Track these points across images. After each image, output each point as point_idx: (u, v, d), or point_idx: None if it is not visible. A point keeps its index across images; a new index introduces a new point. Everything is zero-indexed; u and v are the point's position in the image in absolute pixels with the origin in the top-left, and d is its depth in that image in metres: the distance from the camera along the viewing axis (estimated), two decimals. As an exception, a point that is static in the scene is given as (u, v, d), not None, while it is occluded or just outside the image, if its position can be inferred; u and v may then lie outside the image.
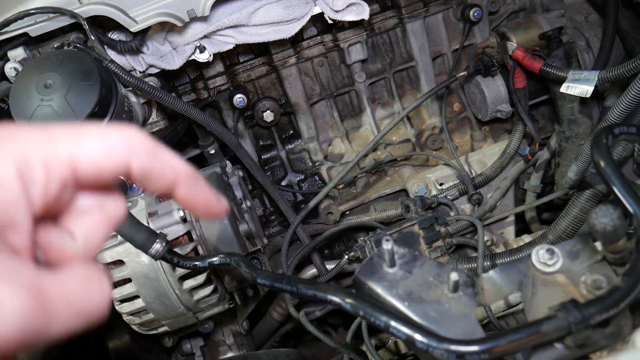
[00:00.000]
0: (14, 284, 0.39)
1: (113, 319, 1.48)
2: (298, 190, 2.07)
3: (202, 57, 1.69)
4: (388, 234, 1.75)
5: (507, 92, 1.90)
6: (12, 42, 1.47)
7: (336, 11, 1.70)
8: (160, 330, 1.48)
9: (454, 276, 0.83)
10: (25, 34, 1.45)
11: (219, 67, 1.89)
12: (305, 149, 2.09)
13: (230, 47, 1.70)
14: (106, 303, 0.46)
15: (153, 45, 1.65)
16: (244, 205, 1.79)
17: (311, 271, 1.97)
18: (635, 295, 0.73)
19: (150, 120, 1.69)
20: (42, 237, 0.47)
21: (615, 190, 0.85)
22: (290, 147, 2.10)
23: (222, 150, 1.89)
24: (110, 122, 1.36)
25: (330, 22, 1.74)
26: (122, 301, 1.40)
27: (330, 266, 1.95)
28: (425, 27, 1.98)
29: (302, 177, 2.10)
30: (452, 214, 1.91)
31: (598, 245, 0.85)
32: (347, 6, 1.68)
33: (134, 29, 1.47)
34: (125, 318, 1.43)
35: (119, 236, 1.33)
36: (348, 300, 0.85)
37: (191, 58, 1.68)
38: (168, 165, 0.51)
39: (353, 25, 1.87)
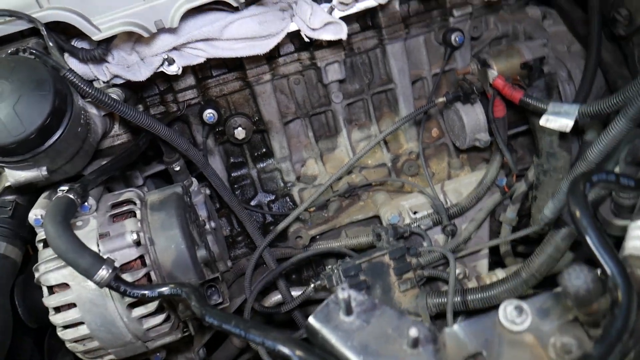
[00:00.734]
0: None
1: (58, 345, 1.38)
2: (267, 212, 1.99)
3: (171, 70, 1.61)
4: (356, 263, 1.67)
5: (486, 120, 1.85)
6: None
7: (313, 29, 1.63)
8: (106, 359, 1.38)
9: (413, 332, 0.76)
10: (-20, 36, 1.37)
11: (190, 80, 1.81)
12: (278, 169, 2.02)
13: (201, 60, 1.63)
14: None
15: (119, 54, 1.57)
16: (207, 226, 1.71)
17: (276, 297, 1.88)
18: (608, 365, 0.67)
19: (112, 133, 1.60)
20: None
21: (591, 245, 0.79)
22: (262, 165, 2.02)
23: (189, 167, 1.80)
24: (63, 135, 1.27)
25: (307, 40, 1.67)
26: (66, 327, 1.31)
27: (296, 293, 1.87)
28: (405, 49, 1.92)
29: (273, 197, 2.02)
30: (424, 244, 1.84)
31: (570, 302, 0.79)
32: (325, 25, 1.62)
33: (96, 37, 1.39)
34: (68, 345, 1.33)
35: (64, 258, 1.23)
36: (298, 352, 0.78)
37: (159, 70, 1.61)
38: None
39: (331, 44, 1.81)
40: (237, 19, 1.55)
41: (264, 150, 2.02)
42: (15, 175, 1.31)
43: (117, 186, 1.62)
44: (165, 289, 1.17)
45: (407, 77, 1.95)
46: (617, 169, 1.41)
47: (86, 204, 1.31)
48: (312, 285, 1.71)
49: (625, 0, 1.74)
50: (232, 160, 2.02)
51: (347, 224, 1.99)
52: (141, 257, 1.32)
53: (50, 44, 1.35)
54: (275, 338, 0.81)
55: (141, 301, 1.29)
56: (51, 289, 1.30)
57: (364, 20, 1.91)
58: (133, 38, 1.54)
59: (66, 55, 1.48)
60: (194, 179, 1.78)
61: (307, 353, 0.76)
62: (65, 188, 1.22)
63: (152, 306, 1.31)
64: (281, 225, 1.86)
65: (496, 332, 0.78)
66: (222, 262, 1.81)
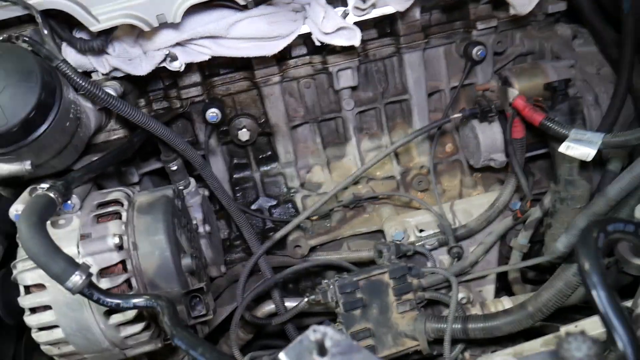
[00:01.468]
0: None
1: (34, 345, 1.33)
2: (268, 217, 1.92)
3: (174, 66, 1.54)
4: (354, 279, 1.59)
5: (503, 140, 1.75)
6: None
7: (325, 33, 1.55)
8: (82, 363, 1.33)
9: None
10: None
11: (196, 77, 1.75)
12: (282, 173, 1.94)
13: (206, 58, 1.56)
14: None
15: (121, 46, 1.50)
16: (201, 230, 1.64)
17: (269, 307, 1.81)
18: None
19: (108, 127, 1.55)
20: None
21: (599, 305, 0.70)
22: (265, 169, 1.95)
23: (188, 166, 1.73)
24: (48, 129, 1.21)
25: (318, 44, 1.59)
26: (40, 329, 1.25)
27: (291, 303, 1.80)
28: (424, 60, 1.83)
29: (275, 202, 1.95)
30: (428, 264, 1.75)
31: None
32: (337, 30, 1.54)
33: (94, 28, 1.33)
34: (43, 347, 1.28)
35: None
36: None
37: (162, 65, 1.54)
38: None
39: (345, 49, 1.72)
40: (245, 18, 1.48)
41: (269, 153, 1.95)
42: (-2, 168, 1.26)
43: (110, 183, 1.56)
44: (140, 300, 1.10)
45: (424, 88, 1.86)
46: (639, 208, 1.31)
47: (69, 202, 1.25)
48: (305, 299, 1.63)
49: (662, 23, 1.62)
50: (235, 161, 1.95)
51: (349, 235, 1.92)
52: (123, 262, 1.25)
53: (45, 31, 1.29)
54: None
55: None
56: (27, 289, 1.25)
57: (382, 26, 1.82)
58: (136, 31, 1.48)
59: (64, 44, 1.42)
60: (192, 179, 1.72)
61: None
62: (46, 185, 1.16)
63: (130, 314, 1.24)
64: (279, 233, 1.78)
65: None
66: (216, 267, 1.75)
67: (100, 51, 1.45)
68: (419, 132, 1.75)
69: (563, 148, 1.49)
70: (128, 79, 1.57)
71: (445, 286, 1.74)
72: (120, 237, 1.25)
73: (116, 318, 1.24)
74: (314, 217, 1.92)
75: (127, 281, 1.26)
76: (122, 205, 1.32)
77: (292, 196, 1.94)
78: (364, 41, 1.79)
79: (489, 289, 1.83)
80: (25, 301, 1.23)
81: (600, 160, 1.83)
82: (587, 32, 1.92)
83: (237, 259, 1.93)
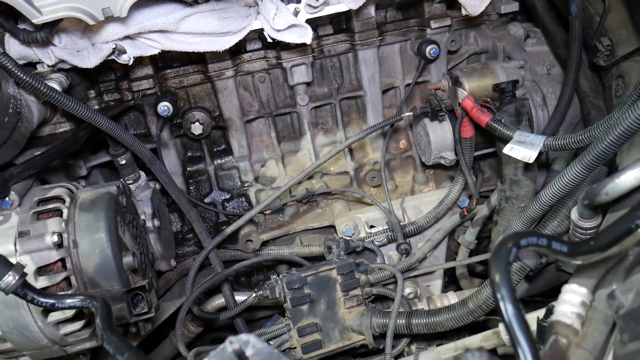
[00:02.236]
0: None
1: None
2: (221, 210, 1.92)
3: (122, 59, 1.52)
4: (302, 275, 1.61)
5: (453, 139, 1.77)
6: None
7: (277, 30, 1.55)
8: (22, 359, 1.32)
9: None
10: None
11: (147, 69, 1.73)
12: (236, 167, 1.94)
13: (156, 51, 1.54)
14: None
15: (68, 38, 1.48)
16: (150, 224, 1.64)
17: (219, 301, 1.82)
18: None
19: (54, 120, 1.52)
20: None
21: (506, 318, 0.73)
22: (220, 162, 1.95)
23: (140, 159, 1.71)
24: (-15, 125, 1.19)
25: (270, 40, 1.59)
26: (-23, 326, 1.24)
27: (241, 297, 1.81)
28: (379, 57, 1.84)
29: (228, 196, 1.95)
30: (377, 260, 1.78)
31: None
32: (289, 27, 1.53)
33: (36, 20, 1.30)
34: (-19, 344, 1.27)
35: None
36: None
37: (111, 58, 1.52)
38: None
39: (299, 45, 1.72)
40: (195, 13, 1.46)
41: (224, 146, 1.94)
42: None
43: (55, 177, 1.54)
44: (75, 301, 1.10)
45: (378, 85, 1.87)
46: (574, 210, 1.35)
47: (7, 199, 1.24)
48: (253, 295, 1.65)
49: (609, 29, 1.66)
50: (189, 154, 1.94)
51: (302, 230, 1.93)
52: (62, 260, 1.24)
53: (-18, 22, 1.26)
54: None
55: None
56: (-37, 286, 1.23)
57: (337, 22, 1.82)
58: (83, 23, 1.45)
59: (7, 35, 1.39)
60: (142, 173, 1.71)
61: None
62: (-20, 183, 1.15)
63: (69, 312, 1.24)
64: (230, 228, 1.79)
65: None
66: (165, 261, 1.75)
67: (45, 43, 1.42)
68: (370, 129, 1.76)
69: (507, 149, 1.52)
70: (77, 71, 1.55)
71: (393, 282, 1.77)
72: (60, 235, 1.24)
73: (55, 316, 1.24)
74: (267, 212, 1.93)
75: (67, 279, 1.25)
76: (63, 202, 1.31)
77: (246, 190, 1.95)
78: (319, 37, 1.80)
79: (437, 284, 1.87)
80: (-39, 298, 1.22)
81: (547, 159, 1.88)
82: (540, 32, 1.95)
83: (189, 252, 1.93)
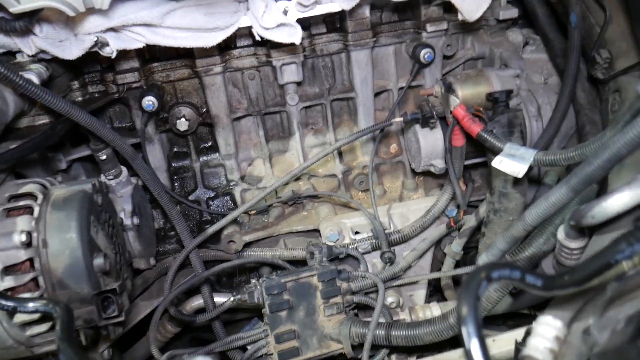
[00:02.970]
0: None
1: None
2: (205, 209, 1.88)
3: (105, 51, 1.48)
4: (282, 281, 1.57)
5: (444, 147, 1.73)
6: None
7: (265, 28, 1.50)
8: (-13, 359, 1.29)
9: None
10: None
11: (134, 62, 1.68)
12: (222, 165, 1.90)
13: (140, 45, 1.50)
14: None
15: (51, 28, 1.43)
16: (128, 222, 1.60)
17: (198, 302, 1.79)
18: None
19: (33, 112, 1.48)
20: None
21: (469, 352, 0.69)
22: (206, 159, 1.91)
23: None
24: (-46, 118, 1.15)
25: (258, 38, 1.54)
26: (-59, 324, 1.21)
27: (221, 299, 1.78)
28: (372, 58, 1.79)
29: (213, 194, 1.91)
30: (361, 268, 1.75)
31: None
32: (278, 25, 1.49)
33: (14, 9, 1.26)
34: (-55, 342, 1.24)
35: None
36: None
37: (94, 50, 1.48)
38: None
39: (289, 43, 1.67)
40: (180, 7, 1.42)
41: (211, 143, 1.90)
42: None
43: (32, 171, 1.50)
44: (38, 305, 1.07)
45: (370, 87, 1.82)
46: (561, 229, 1.31)
47: (-25, 195, 1.20)
48: (232, 299, 1.61)
49: (608, 41, 1.61)
50: (175, 149, 1.91)
51: (286, 233, 1.89)
52: (30, 260, 1.21)
53: (-43, 11, 1.21)
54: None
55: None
56: None
57: (331, 21, 1.77)
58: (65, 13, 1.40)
59: (-17, 24, 1.34)
60: (123, 169, 1.67)
61: None
62: (-54, 178, 1.11)
63: (35, 314, 1.20)
64: (212, 229, 1.75)
65: None
66: (144, 260, 1.72)
67: (25, 32, 1.38)
68: (359, 133, 1.72)
69: (496, 162, 1.47)
70: (59, 61, 1.50)
71: (375, 290, 1.74)
72: (29, 234, 1.20)
73: (20, 317, 1.20)
74: (252, 212, 1.89)
75: (35, 280, 1.22)
76: (35, 199, 1.27)
77: (232, 189, 1.91)
78: (311, 35, 1.76)
79: (420, 294, 1.84)
80: None
81: (539, 171, 1.84)
82: (540, 40, 1.90)
83: (170, 250, 1.89)
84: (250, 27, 1.55)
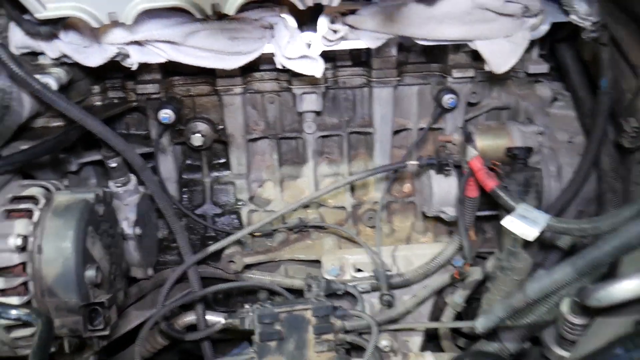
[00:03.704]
0: None
1: None
2: (210, 225, 1.88)
3: (127, 63, 1.49)
4: (275, 311, 1.55)
5: (457, 195, 1.69)
6: None
7: (288, 58, 1.49)
8: (-30, 357, 1.29)
9: None
10: None
11: (155, 74, 1.68)
12: (232, 183, 1.89)
13: (162, 60, 1.50)
14: None
15: (76, 34, 1.44)
16: (130, 232, 1.60)
17: (190, 318, 1.77)
18: None
19: (49, 114, 1.49)
20: None
21: None
22: (217, 175, 1.90)
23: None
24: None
25: (280, 67, 1.53)
26: None
27: (214, 318, 1.75)
28: (394, 96, 1.76)
29: (220, 211, 1.90)
30: (358, 307, 1.71)
31: None
32: (300, 57, 1.47)
33: (39, 15, 1.27)
34: None
35: None
36: None
37: (116, 59, 1.48)
38: None
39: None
40: (204, 29, 1.41)
41: (224, 160, 1.89)
42: None
43: (41, 172, 1.50)
44: (20, 313, 1.08)
45: (389, 125, 1.80)
46: (565, 302, 1.26)
47: (-23, 196, 1.21)
48: (223, 322, 1.60)
49: (638, 109, 1.56)
50: (188, 162, 1.90)
51: (288, 259, 1.87)
52: (23, 264, 1.21)
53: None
54: None
55: (7, 312, 1.19)
56: None
57: (357, 54, 1.75)
58: (91, 21, 1.41)
59: (12, 24, 1.36)
60: (132, 177, 1.67)
61: None
62: (-50, 177, 1.12)
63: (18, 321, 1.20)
64: (214, 247, 1.74)
65: None
66: (142, 270, 1.71)
67: (49, 37, 1.39)
68: (373, 171, 1.70)
69: (506, 222, 1.44)
70: (82, 65, 1.51)
71: (370, 332, 1.70)
72: (25, 238, 1.20)
73: (4, 320, 1.20)
74: (257, 234, 1.88)
75: (25, 284, 1.22)
76: (37, 202, 1.27)
77: (239, 208, 1.90)
78: (335, 67, 1.74)
79: (416, 340, 1.79)
80: None
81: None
82: (570, 96, 1.85)
83: (171, 261, 1.88)
84: (272, 54, 1.54)
